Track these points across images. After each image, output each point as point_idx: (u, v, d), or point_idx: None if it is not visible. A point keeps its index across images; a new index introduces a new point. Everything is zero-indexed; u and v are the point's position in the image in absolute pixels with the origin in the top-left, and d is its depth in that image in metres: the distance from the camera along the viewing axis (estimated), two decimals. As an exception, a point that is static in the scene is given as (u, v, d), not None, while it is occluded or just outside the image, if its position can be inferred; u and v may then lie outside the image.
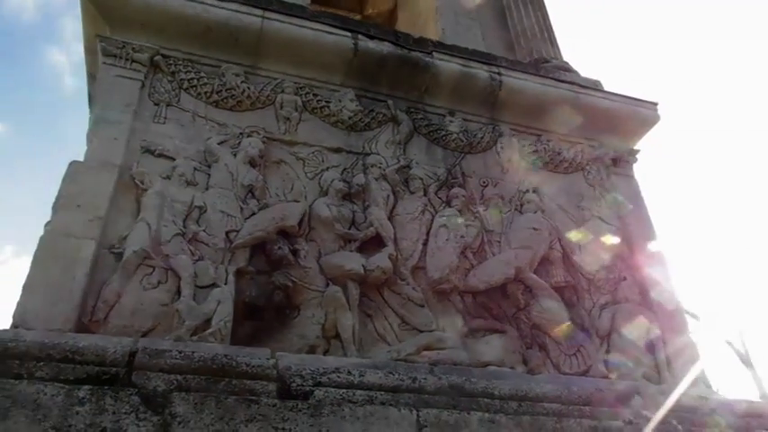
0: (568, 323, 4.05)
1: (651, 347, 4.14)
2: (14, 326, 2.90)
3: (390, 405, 2.96)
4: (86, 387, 2.52)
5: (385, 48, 4.61)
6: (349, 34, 4.55)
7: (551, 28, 6.33)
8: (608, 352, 4.06)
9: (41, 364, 2.61)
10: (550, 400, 3.36)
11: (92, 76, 4.52)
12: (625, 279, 4.44)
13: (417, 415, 2.92)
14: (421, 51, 4.74)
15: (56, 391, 2.47)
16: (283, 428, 2.67)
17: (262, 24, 4.31)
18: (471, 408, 3.10)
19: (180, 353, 2.86)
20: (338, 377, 3.05)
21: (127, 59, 4.02)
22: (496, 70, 4.89)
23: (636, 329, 4.14)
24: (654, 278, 4.51)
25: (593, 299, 4.28)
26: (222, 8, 4.26)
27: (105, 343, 2.85)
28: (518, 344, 3.88)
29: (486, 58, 5.03)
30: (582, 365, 3.94)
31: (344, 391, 2.99)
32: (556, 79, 5.12)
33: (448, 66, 4.75)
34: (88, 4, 4.06)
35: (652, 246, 4.74)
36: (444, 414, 2.98)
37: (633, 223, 4.78)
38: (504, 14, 6.44)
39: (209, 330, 3.19)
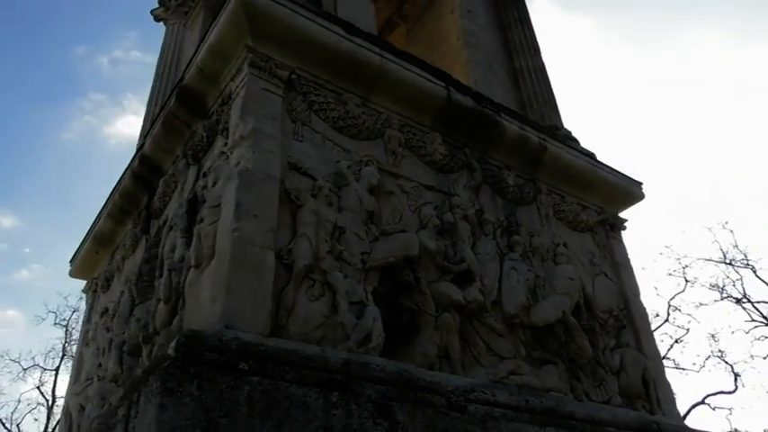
0: (593, 360, 4.99)
1: (646, 385, 5.21)
2: (226, 326, 3.12)
3: (523, 422, 3.63)
4: (336, 393, 2.89)
5: (469, 102, 5.25)
6: (443, 84, 5.12)
7: (554, 97, 7.37)
8: (619, 386, 5.06)
9: (287, 368, 2.92)
10: (607, 424, 4.27)
11: (205, 75, 4.60)
12: (624, 327, 5.50)
13: (545, 432, 3.63)
14: (491, 110, 5.45)
15: (317, 395, 2.82)
16: (467, 438, 3.23)
17: (381, 62, 4.74)
18: (569, 428, 3.88)
19: (377, 366, 3.30)
20: (480, 396, 3.66)
21: (270, 74, 4.24)
22: (543, 137, 5.75)
23: (637, 370, 5.20)
24: (641, 326, 5.64)
25: (604, 341, 5.27)
26: (351, 41, 4.62)
27: (320, 352, 3.20)
28: (565, 374, 4.73)
29: (532, 124, 5.88)
30: (604, 396, 4.89)
31: (487, 408, 3.61)
32: (579, 151, 6.11)
33: (511, 126, 5.51)
34: (239, 10, 4.20)
35: (639, 300, 5.89)
36: (559, 432, 3.72)
37: (626, 280, 5.89)
38: (515, 77, 7.36)
39: (372, 345, 3.61)
